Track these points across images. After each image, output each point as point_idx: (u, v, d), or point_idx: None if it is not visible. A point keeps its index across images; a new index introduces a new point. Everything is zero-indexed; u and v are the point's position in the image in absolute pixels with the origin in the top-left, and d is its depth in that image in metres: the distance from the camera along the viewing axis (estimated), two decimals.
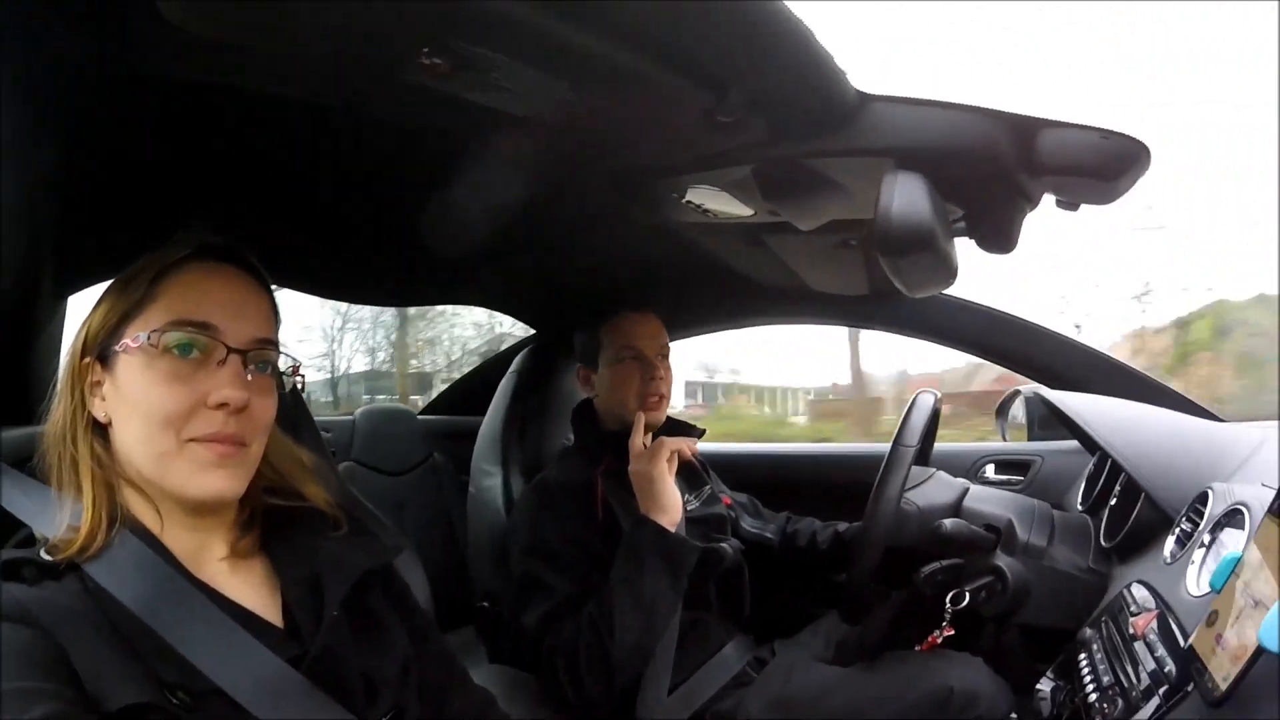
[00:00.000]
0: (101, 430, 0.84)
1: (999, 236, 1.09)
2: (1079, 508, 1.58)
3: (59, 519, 0.78)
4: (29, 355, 1.20)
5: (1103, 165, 0.95)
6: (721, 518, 1.79)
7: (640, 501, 1.50)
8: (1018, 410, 2.11)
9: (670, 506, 1.48)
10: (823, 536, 1.84)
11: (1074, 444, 1.88)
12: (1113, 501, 1.38)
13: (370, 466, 2.36)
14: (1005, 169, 0.99)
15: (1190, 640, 0.90)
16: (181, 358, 0.81)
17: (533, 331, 2.34)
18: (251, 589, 0.86)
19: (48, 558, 0.75)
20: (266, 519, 0.93)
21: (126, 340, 0.81)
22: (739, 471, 2.13)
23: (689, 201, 1.27)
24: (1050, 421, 1.97)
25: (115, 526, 0.78)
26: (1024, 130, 0.95)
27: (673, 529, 1.46)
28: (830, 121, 0.99)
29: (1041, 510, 1.42)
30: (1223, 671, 0.78)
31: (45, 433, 0.85)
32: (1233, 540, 1.01)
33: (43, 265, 1.13)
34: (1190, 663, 0.86)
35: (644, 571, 1.42)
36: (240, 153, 1.13)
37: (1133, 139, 0.94)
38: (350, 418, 2.44)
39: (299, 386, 1.01)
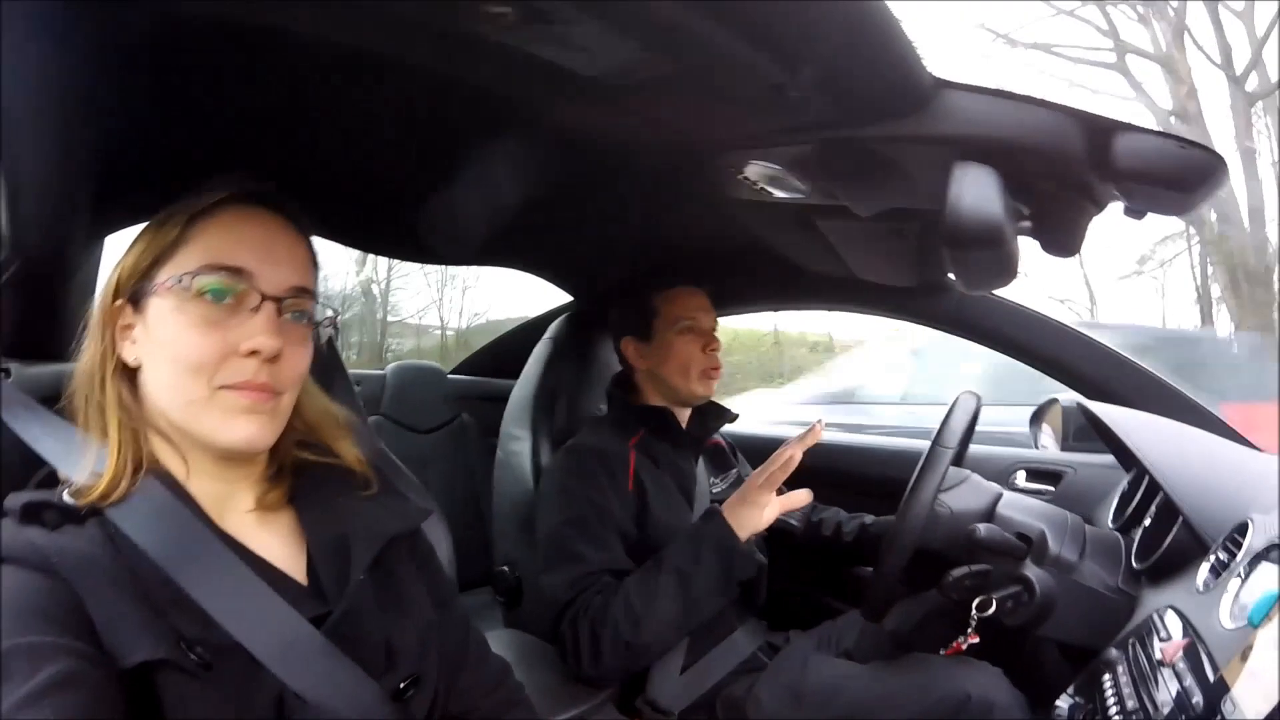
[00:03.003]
0: (130, 375, 0.83)
1: (1063, 239, 1.07)
2: (1110, 525, 1.55)
3: (84, 462, 0.77)
4: (64, 294, 1.20)
5: (1179, 175, 0.92)
6: None
7: (735, 498, 1.47)
8: (1053, 419, 2.07)
9: (751, 523, 1.45)
10: (848, 527, 1.83)
11: (1107, 458, 1.83)
12: (1147, 522, 1.35)
13: (398, 422, 2.41)
14: (1077, 170, 0.95)
15: (1222, 672, 0.88)
16: (214, 302, 0.79)
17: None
18: (277, 543, 0.86)
19: (70, 501, 0.74)
20: (296, 473, 0.92)
21: (158, 282, 0.80)
22: (767, 457, 2.12)
23: (746, 178, 1.24)
24: (1085, 434, 1.93)
25: (140, 472, 0.78)
26: (1100, 132, 0.91)
27: (743, 537, 1.44)
28: (903, 105, 0.96)
29: (1074, 524, 1.39)
30: (1254, 709, 0.77)
31: (74, 374, 0.84)
32: (1270, 575, 0.98)
33: (79, 205, 1.12)
34: (1219, 695, 0.85)
35: (699, 566, 1.41)
36: (282, 100, 1.11)
37: (1211, 150, 0.90)
38: (382, 372, 2.47)
39: (333, 338, 1.00)
